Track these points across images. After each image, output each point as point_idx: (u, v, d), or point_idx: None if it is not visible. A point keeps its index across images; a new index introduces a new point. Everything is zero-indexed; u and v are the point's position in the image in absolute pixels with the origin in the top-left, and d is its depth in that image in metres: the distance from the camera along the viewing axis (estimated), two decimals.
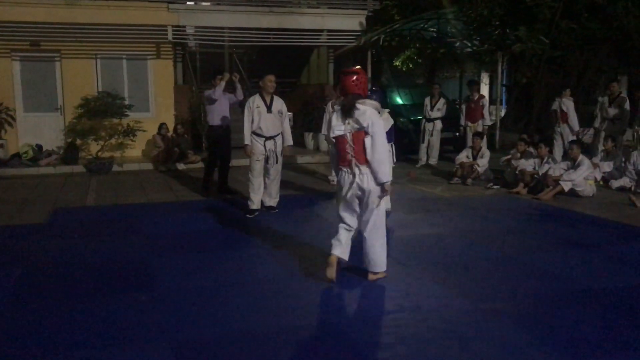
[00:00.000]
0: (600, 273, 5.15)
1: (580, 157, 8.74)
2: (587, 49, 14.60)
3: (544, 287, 4.78)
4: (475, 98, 11.99)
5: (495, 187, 9.36)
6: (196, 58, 17.54)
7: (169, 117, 13.26)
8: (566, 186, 8.43)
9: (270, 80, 7.36)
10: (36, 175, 11.33)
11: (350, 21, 14.51)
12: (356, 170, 4.66)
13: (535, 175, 8.89)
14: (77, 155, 12.35)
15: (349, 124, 4.66)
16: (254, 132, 7.33)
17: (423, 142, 12.17)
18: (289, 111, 7.85)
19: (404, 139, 13.94)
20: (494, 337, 3.79)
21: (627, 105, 11.00)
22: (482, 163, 9.87)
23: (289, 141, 7.66)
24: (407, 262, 5.44)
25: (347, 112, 4.66)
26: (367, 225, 4.78)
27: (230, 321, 4.07)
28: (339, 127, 4.71)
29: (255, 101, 7.33)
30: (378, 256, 4.84)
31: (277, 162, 7.49)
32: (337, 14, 14.42)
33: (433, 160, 12.03)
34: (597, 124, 11.26)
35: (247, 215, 7.41)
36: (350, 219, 4.86)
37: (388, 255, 4.98)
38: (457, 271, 5.21)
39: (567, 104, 11.00)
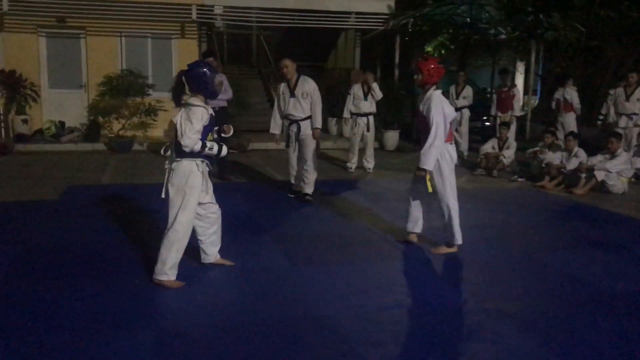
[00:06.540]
0: (623, 275, 4.84)
1: (620, 150, 8.38)
2: (627, 39, 13.95)
3: (561, 289, 4.50)
4: (506, 88, 11.57)
5: (519, 179, 9.02)
6: (223, 38, 17.42)
7: None
8: (599, 175, 8.07)
9: (283, 66, 7.24)
10: (57, 151, 11.38)
11: (379, 4, 14.16)
12: None
13: (562, 169, 8.53)
14: (99, 133, 12.35)
15: None
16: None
17: None
18: None
19: None
20: (498, 340, 3.53)
21: None
22: (508, 154, 9.52)
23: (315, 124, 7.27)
24: (421, 257, 5.20)
25: None
26: None
27: (227, 309, 3.92)
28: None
29: (281, 87, 7.43)
30: None
31: (303, 147, 7.29)
32: None
33: (463, 151, 11.61)
34: (610, 119, 10.01)
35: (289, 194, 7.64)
36: None
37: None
38: (471, 268, 4.96)
39: (571, 94, 10.99)
